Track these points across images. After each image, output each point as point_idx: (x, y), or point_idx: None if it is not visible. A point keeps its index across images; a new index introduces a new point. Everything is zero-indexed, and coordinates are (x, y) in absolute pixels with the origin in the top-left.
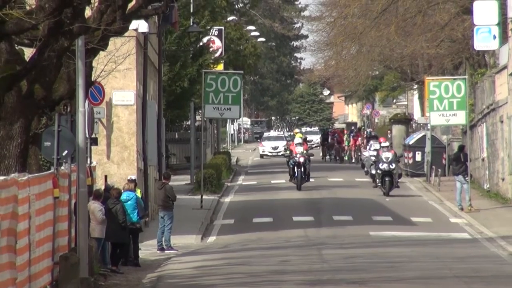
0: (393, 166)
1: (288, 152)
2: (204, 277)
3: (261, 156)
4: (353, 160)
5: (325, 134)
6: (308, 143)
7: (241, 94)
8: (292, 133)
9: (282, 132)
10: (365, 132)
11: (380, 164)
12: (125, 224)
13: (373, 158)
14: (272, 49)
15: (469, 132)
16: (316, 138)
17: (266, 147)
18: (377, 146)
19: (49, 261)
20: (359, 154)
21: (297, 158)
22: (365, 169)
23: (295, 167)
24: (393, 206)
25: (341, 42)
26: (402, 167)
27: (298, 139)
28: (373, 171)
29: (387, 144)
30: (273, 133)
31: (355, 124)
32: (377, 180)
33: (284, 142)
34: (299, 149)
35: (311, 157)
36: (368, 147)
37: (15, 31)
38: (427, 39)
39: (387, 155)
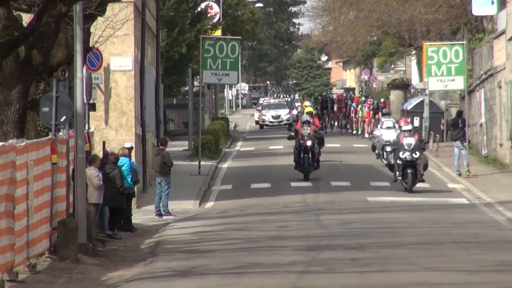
0: (416, 155)
1: (293, 133)
2: (202, 242)
3: (261, 126)
4: (366, 135)
5: (325, 102)
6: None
7: (239, 59)
8: (289, 99)
9: (284, 99)
10: (372, 104)
11: (401, 153)
12: (122, 189)
13: (384, 138)
14: (270, 14)
15: (467, 98)
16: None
17: (266, 116)
18: (389, 124)
19: (47, 227)
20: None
21: (303, 142)
22: (376, 151)
23: (301, 153)
24: (391, 172)
25: (339, 8)
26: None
27: (304, 116)
28: (392, 161)
29: (409, 127)
30: (273, 100)
31: (353, 89)
32: (397, 173)
33: (287, 110)
34: (306, 130)
35: (322, 138)
36: (379, 125)
37: None
38: (425, 4)
39: (409, 141)
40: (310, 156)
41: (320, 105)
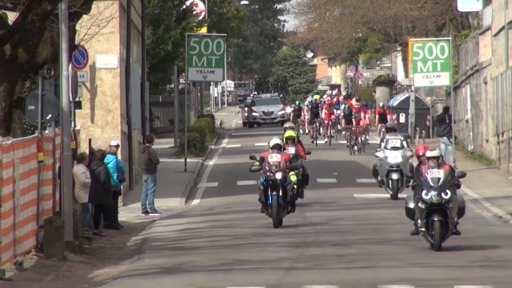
0: (447, 195)
1: (257, 164)
2: (188, 239)
3: (251, 124)
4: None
5: (315, 107)
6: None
7: (224, 57)
8: (281, 95)
9: (276, 94)
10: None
11: (424, 193)
12: (107, 186)
13: (390, 161)
14: (256, 12)
15: (453, 94)
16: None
17: (257, 112)
18: (396, 143)
19: (34, 225)
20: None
21: (270, 174)
22: (379, 177)
23: (269, 189)
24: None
25: (324, 4)
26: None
27: (275, 140)
28: (411, 205)
29: (435, 153)
30: (265, 95)
31: (338, 86)
32: (419, 222)
33: (280, 106)
34: (275, 158)
35: (306, 175)
36: (382, 144)
37: None
38: (410, 0)
39: (436, 174)
40: (280, 194)
41: (310, 111)
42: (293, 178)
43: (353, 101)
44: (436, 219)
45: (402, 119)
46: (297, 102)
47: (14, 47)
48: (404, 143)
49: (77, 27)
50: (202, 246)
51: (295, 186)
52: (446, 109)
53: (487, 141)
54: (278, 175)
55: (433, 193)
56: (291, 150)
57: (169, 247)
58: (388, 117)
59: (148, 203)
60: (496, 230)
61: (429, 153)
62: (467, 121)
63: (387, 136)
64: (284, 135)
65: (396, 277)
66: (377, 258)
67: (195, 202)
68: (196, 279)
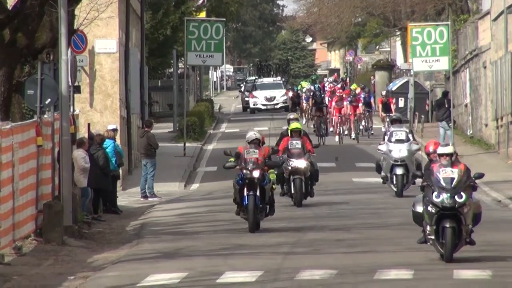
0: (462, 198)
1: (232, 160)
2: (187, 224)
3: (252, 110)
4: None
5: (318, 95)
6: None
7: (223, 41)
8: (283, 79)
9: (278, 77)
10: (362, 94)
11: (435, 195)
12: (106, 170)
13: (394, 155)
14: None
15: (452, 78)
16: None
17: (258, 98)
18: (401, 135)
19: (33, 209)
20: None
21: (247, 172)
22: (382, 173)
23: (245, 188)
24: (376, 153)
25: None
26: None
27: (253, 134)
28: (419, 208)
29: (448, 149)
30: (266, 79)
31: (337, 70)
32: (428, 228)
33: (283, 91)
34: (253, 154)
35: (315, 171)
36: (386, 136)
37: None
38: None
39: (450, 173)
40: (257, 194)
41: (313, 99)
42: (272, 176)
43: (353, 87)
44: (448, 226)
45: (401, 103)
46: (296, 88)
47: (13, 31)
48: (410, 136)
49: (76, 11)
50: (201, 231)
51: (274, 186)
52: (445, 94)
53: (486, 125)
54: (256, 173)
55: (445, 195)
56: (297, 144)
57: (169, 231)
58: (392, 106)
59: (148, 188)
60: (495, 215)
61: (441, 150)
62: (466, 105)
63: (391, 128)
64: (289, 128)
65: (395, 261)
66: (376, 242)
67: (194, 186)
68: (195, 264)
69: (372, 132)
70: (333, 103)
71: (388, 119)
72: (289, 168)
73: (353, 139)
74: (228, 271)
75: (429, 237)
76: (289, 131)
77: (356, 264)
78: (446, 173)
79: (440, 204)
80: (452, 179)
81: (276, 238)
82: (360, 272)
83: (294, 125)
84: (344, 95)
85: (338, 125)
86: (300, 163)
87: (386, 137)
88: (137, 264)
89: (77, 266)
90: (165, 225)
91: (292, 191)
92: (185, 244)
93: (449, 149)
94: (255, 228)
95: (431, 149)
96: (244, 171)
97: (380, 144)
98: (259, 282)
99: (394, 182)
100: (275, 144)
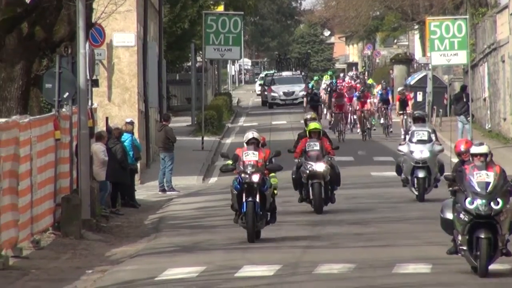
0: (498, 205)
1: (229, 163)
2: (205, 218)
3: (270, 105)
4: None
5: (332, 90)
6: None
7: (241, 35)
8: (303, 73)
9: (297, 72)
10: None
11: (469, 201)
12: (124, 164)
13: (415, 156)
14: None
15: (471, 72)
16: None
17: (277, 93)
18: (423, 135)
19: (51, 203)
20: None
21: (246, 176)
22: (403, 175)
23: (243, 193)
24: (394, 146)
25: None
26: None
27: (251, 133)
28: (448, 214)
29: (484, 149)
30: (285, 73)
31: (355, 64)
32: (459, 237)
33: (302, 85)
34: (252, 157)
35: (337, 174)
36: (408, 135)
37: None
38: None
39: (485, 177)
40: (257, 200)
41: (328, 94)
42: (274, 181)
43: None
44: (483, 236)
45: (419, 97)
46: (310, 85)
47: (31, 25)
48: (433, 136)
49: (94, 5)
50: (219, 225)
51: (275, 191)
52: (464, 88)
53: (504, 119)
54: (255, 177)
55: (480, 201)
56: (315, 146)
57: (187, 225)
58: (410, 102)
59: (166, 181)
60: None
61: (475, 149)
62: (484, 99)
63: (413, 127)
64: (307, 128)
65: (413, 255)
66: (394, 236)
67: (213, 180)
68: (213, 258)
69: (391, 130)
70: (333, 99)
71: (405, 117)
72: (307, 171)
73: (358, 133)
74: (246, 265)
75: (460, 247)
76: (307, 132)
77: (374, 258)
78: (480, 177)
79: (474, 211)
80: (488, 183)
81: (295, 232)
82: (379, 266)
83: (313, 125)
84: (345, 92)
85: (360, 120)
86: (319, 166)
87: (407, 137)
88: (155, 258)
89: (95, 260)
90: (183, 218)
91: (311, 197)
92: (203, 238)
93: (483, 149)
94: (254, 237)
95: (462, 148)
96: (243, 175)
97: (400, 145)
98: (277, 276)
99: (415, 185)
100: (293, 146)
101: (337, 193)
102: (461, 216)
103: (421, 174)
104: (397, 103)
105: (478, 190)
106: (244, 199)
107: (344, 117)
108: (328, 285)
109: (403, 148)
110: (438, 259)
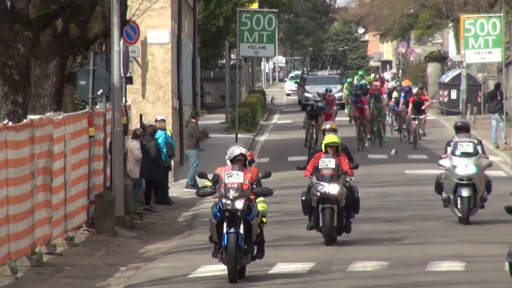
0: None
1: (208, 185)
2: None
3: (303, 107)
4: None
5: (359, 94)
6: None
7: (275, 32)
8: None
9: (334, 71)
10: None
11: None
12: (158, 161)
13: (459, 172)
14: None
15: (505, 70)
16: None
17: (311, 93)
18: (467, 148)
19: (85, 200)
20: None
21: (227, 202)
22: (444, 194)
23: (224, 223)
24: (428, 145)
25: None
26: (437, 105)
27: (238, 149)
28: None
29: None
30: (321, 72)
31: (390, 62)
32: None
33: (339, 86)
34: (235, 177)
35: (356, 199)
36: (450, 148)
37: None
38: None
39: None
40: (241, 231)
41: (354, 98)
42: (262, 207)
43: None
44: None
45: (453, 95)
46: (346, 83)
47: (66, 22)
48: (479, 148)
49: (129, 2)
50: None
51: (264, 220)
52: (498, 86)
53: None
54: (239, 204)
55: None
56: (330, 163)
57: None
58: (427, 103)
59: (188, 178)
60: None
61: None
62: None
63: (456, 138)
64: (323, 142)
65: (447, 253)
66: (428, 234)
67: None
68: None
69: (387, 140)
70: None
71: (416, 122)
72: (318, 194)
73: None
74: (280, 262)
75: None
76: (323, 145)
77: (408, 255)
78: None
79: None
80: None
81: None
82: (412, 264)
83: (330, 138)
84: (333, 100)
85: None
86: (332, 189)
87: (449, 149)
88: (189, 255)
89: (128, 256)
90: None
91: (321, 224)
92: None
93: None
94: (236, 276)
95: None
96: (224, 200)
97: (441, 158)
98: (311, 273)
99: (459, 205)
100: (306, 162)
101: (370, 191)
102: None
103: (465, 192)
104: (410, 105)
105: None
106: (225, 230)
107: (364, 122)
108: (361, 283)
109: (445, 163)
110: (472, 257)
